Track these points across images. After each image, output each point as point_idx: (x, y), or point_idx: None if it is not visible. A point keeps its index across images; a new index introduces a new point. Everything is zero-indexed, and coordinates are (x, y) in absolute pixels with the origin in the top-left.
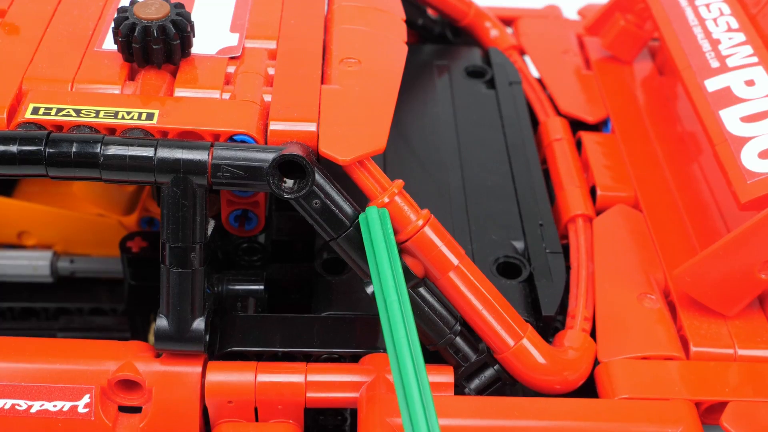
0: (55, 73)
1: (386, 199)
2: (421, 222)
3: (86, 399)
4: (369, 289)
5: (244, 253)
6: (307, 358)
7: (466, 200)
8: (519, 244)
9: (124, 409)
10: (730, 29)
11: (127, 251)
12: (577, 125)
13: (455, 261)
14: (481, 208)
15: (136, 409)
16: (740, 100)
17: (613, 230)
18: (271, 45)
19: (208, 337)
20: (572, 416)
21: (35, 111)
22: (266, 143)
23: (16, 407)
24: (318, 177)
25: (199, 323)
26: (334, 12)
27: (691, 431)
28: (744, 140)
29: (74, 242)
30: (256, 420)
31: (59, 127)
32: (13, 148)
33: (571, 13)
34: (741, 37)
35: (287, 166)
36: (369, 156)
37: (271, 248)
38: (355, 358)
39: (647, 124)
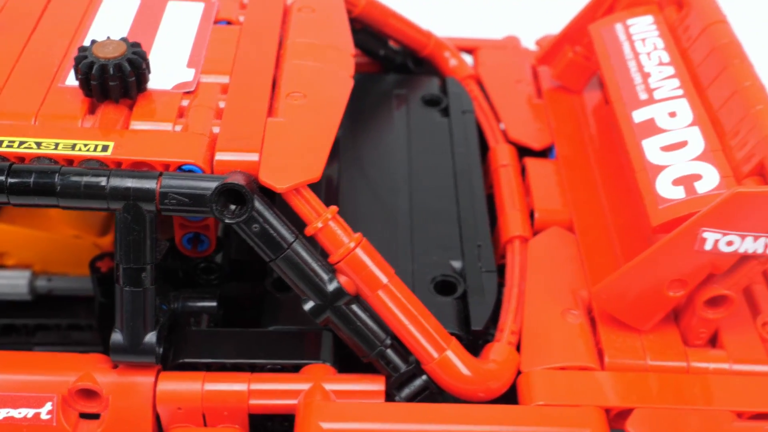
0: (19, 108)
1: (320, 224)
2: (353, 244)
3: (48, 406)
4: (306, 306)
5: (202, 272)
6: (253, 368)
7: (412, 223)
8: (457, 264)
9: (84, 415)
10: (661, 63)
11: (96, 271)
12: (525, 152)
13: (384, 280)
14: (425, 231)
15: (95, 416)
16: (661, 131)
17: (546, 251)
18: (225, 79)
19: (161, 349)
20: (491, 421)
21: None
22: (212, 172)
23: None
24: (257, 204)
25: (150, 337)
26: (287, 48)
27: None
28: (660, 168)
29: (52, 262)
30: (205, 425)
31: (21, 158)
32: None
33: (530, 43)
34: (670, 70)
35: (230, 193)
36: (305, 184)
37: (230, 267)
38: (296, 369)
39: (589, 150)
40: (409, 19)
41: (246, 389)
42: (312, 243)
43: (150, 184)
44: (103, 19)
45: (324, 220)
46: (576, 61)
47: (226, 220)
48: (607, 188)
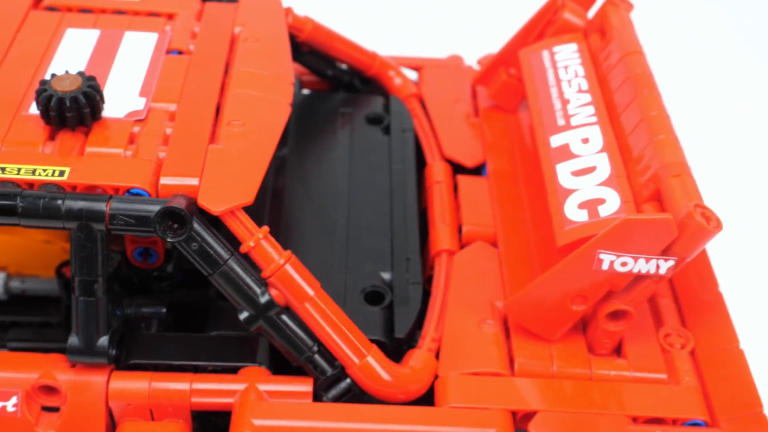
0: None
1: (252, 243)
2: (282, 261)
3: (14, 400)
4: (240, 316)
5: (155, 280)
6: (196, 369)
7: (348, 236)
8: (387, 276)
9: (46, 408)
10: (580, 90)
11: (62, 276)
12: (461, 169)
13: (311, 293)
14: (360, 244)
15: (56, 409)
16: (574, 156)
17: (469, 264)
18: (173, 107)
19: (113, 351)
20: (407, 421)
21: None
22: (158, 195)
23: None
24: (196, 225)
25: (103, 341)
26: (231, 77)
27: None
28: (570, 192)
29: (25, 265)
30: (152, 419)
31: None
32: None
33: (474, 62)
34: (587, 98)
35: (171, 215)
36: (239, 207)
37: (182, 275)
38: (234, 370)
39: (518, 168)
40: (353, 41)
41: (188, 388)
42: (248, 259)
43: (100, 207)
44: (65, 50)
45: (256, 240)
46: (510, 83)
47: (168, 239)
48: (532, 205)
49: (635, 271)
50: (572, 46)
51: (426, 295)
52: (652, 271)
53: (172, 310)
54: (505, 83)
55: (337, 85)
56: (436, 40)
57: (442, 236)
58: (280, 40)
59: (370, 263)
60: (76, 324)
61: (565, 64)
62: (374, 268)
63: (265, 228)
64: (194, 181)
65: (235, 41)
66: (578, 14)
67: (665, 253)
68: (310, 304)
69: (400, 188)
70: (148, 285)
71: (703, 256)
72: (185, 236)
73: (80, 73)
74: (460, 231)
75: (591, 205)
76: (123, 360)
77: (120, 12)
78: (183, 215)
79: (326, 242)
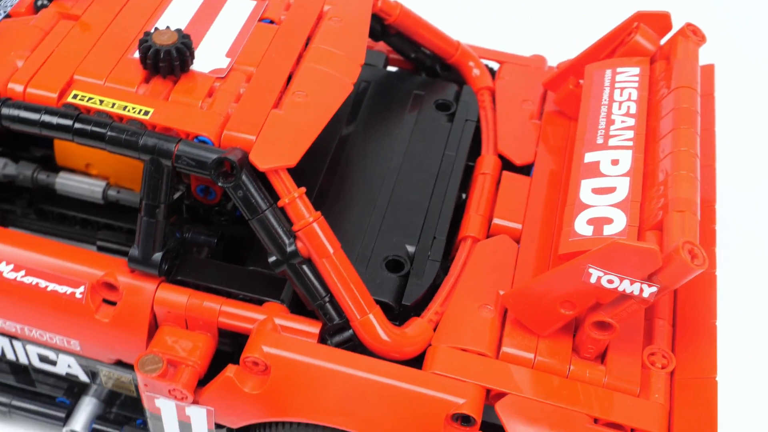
0: (96, 71)
1: (287, 200)
2: (311, 219)
3: (81, 289)
4: (269, 259)
5: (216, 213)
6: (229, 294)
7: (387, 208)
8: (411, 249)
9: (106, 301)
10: (627, 113)
11: None
12: (510, 165)
13: (330, 251)
14: (396, 217)
15: (113, 303)
16: (600, 175)
17: (488, 253)
18: (251, 70)
19: (165, 266)
20: (391, 376)
21: (75, 96)
22: (220, 146)
23: (39, 285)
24: (243, 176)
25: (157, 256)
26: (308, 50)
27: (472, 404)
28: (586, 207)
29: (123, 179)
30: (186, 328)
31: (88, 110)
32: (54, 120)
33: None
34: (631, 122)
35: (225, 164)
36: (283, 168)
37: (238, 214)
38: (260, 302)
39: (561, 174)
40: (438, 29)
41: (218, 309)
42: (284, 213)
43: (170, 147)
44: (176, 6)
45: (291, 198)
46: (574, 93)
47: (219, 183)
48: (563, 211)
49: (620, 289)
50: (635, 70)
51: (444, 273)
52: (636, 292)
53: (223, 241)
54: (571, 92)
55: (419, 67)
56: (530, 37)
57: (472, 224)
58: (361, 22)
59: (399, 235)
60: (138, 238)
61: (623, 86)
62: (402, 239)
63: (302, 189)
64: (251, 138)
65: (322, 18)
66: (650, 39)
67: (650, 279)
68: (327, 260)
69: (446, 173)
70: (209, 217)
71: (711, 288)
72: (233, 184)
73: (178, 30)
74: (490, 222)
75: (598, 223)
76: (172, 275)
77: None
78: (234, 166)
79: (367, 209)
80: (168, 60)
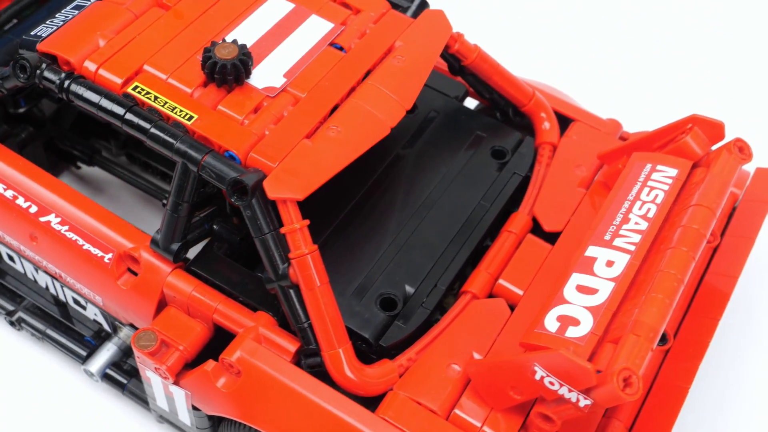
0: (165, 65)
1: (288, 230)
2: (306, 252)
3: (110, 255)
4: (263, 275)
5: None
6: (230, 294)
7: (403, 244)
8: (411, 290)
9: (130, 270)
10: (645, 216)
11: None
12: (539, 228)
13: (317, 284)
14: (407, 255)
15: (135, 274)
16: (591, 273)
17: (480, 314)
18: (302, 95)
19: (183, 254)
20: (342, 409)
21: (134, 88)
22: (245, 164)
23: (77, 242)
24: (254, 199)
25: (175, 245)
26: (361, 86)
27: None
28: (563, 301)
29: None
30: (188, 314)
31: (143, 103)
32: (110, 106)
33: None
34: (644, 225)
35: (240, 184)
36: (292, 200)
37: None
38: (254, 309)
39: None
40: (514, 76)
41: (214, 306)
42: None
43: (197, 156)
44: (259, 15)
45: (292, 229)
46: (621, 172)
47: (232, 200)
48: None
49: (560, 393)
50: (673, 171)
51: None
52: (573, 400)
53: (244, 241)
54: (618, 172)
55: (494, 107)
56: (622, 96)
57: (477, 280)
58: (424, 65)
59: (403, 274)
60: (162, 226)
61: (654, 185)
62: (404, 279)
63: (305, 222)
64: (272, 164)
65: (390, 53)
66: (700, 142)
67: (586, 392)
68: (311, 292)
69: (473, 222)
70: (242, 215)
71: (677, 403)
72: (244, 204)
73: (241, 45)
74: (496, 281)
75: (566, 322)
76: (189, 263)
77: None
78: (248, 188)
79: (385, 241)
80: (223, 73)
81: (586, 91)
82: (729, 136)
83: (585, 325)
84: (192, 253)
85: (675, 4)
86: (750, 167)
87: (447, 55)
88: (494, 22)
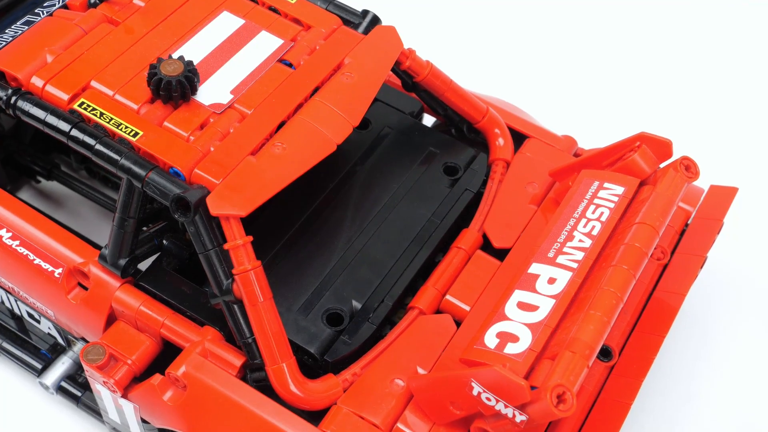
0: (111, 81)
1: (231, 246)
2: (249, 267)
3: (60, 270)
4: (209, 290)
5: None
6: (177, 309)
7: (351, 260)
8: (358, 306)
9: (80, 284)
10: (589, 234)
11: None
12: (489, 245)
13: (260, 300)
14: (355, 271)
15: (86, 288)
16: (533, 290)
17: (425, 330)
18: (248, 111)
19: (131, 270)
20: (285, 423)
21: (81, 104)
22: (189, 181)
23: (28, 256)
24: (197, 216)
25: (122, 261)
26: (307, 104)
27: None
28: (504, 318)
29: None
30: (136, 329)
31: (88, 120)
32: (55, 122)
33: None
34: (587, 243)
35: (182, 201)
36: (235, 217)
37: None
38: (201, 324)
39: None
40: (467, 93)
41: (161, 321)
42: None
43: (142, 172)
44: (210, 29)
45: (235, 245)
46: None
47: (175, 216)
48: None
49: (496, 408)
50: (619, 189)
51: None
52: (509, 416)
53: (194, 257)
54: (569, 188)
55: (449, 124)
56: (582, 112)
57: (425, 296)
58: (372, 82)
59: (351, 290)
60: (109, 242)
61: (600, 203)
62: (351, 295)
63: (249, 238)
64: (216, 181)
65: (338, 69)
66: (648, 161)
67: (522, 408)
68: (254, 307)
69: (422, 239)
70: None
71: (620, 416)
72: (187, 220)
73: (187, 62)
74: (443, 297)
75: (505, 338)
76: (137, 278)
77: (273, 9)
78: (190, 204)
79: (333, 256)
80: (168, 90)
81: (543, 107)
82: (687, 153)
83: (524, 342)
84: (144, 267)
85: (633, 22)
86: (704, 185)
87: (399, 71)
88: (452, 38)
